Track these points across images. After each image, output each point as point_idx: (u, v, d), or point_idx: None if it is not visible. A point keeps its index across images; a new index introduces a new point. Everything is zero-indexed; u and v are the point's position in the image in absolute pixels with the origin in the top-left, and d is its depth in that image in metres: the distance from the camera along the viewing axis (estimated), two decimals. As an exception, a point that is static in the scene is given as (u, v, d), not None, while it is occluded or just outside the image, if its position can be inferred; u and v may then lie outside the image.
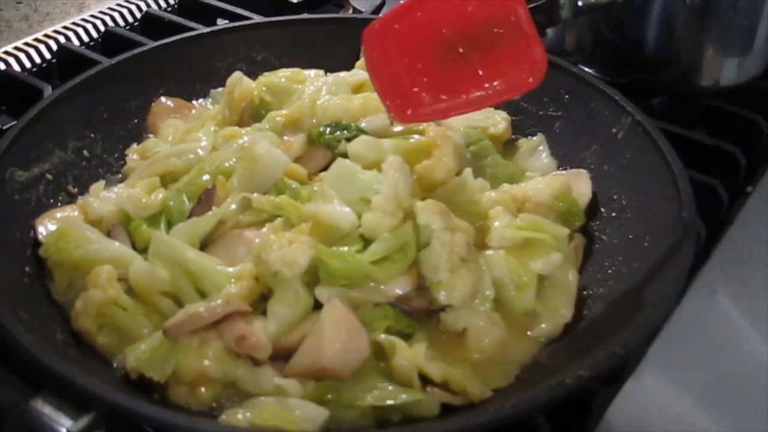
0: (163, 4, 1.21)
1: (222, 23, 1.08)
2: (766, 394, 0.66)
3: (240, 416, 0.58)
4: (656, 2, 0.92)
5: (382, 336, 0.63)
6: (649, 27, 0.94)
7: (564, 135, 0.85)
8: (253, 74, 0.87)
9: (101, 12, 1.17)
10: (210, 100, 0.92)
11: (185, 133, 0.83)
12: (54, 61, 1.08)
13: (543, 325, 0.68)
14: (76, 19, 1.15)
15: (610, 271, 0.72)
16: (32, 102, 0.81)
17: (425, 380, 0.62)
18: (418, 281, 0.67)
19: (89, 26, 1.14)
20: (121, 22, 1.17)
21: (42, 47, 1.09)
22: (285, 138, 0.78)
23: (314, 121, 0.79)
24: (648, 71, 0.97)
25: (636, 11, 0.94)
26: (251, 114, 0.84)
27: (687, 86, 0.98)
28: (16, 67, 1.06)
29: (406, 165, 0.69)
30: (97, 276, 0.66)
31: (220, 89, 0.89)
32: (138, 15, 1.18)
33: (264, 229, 0.69)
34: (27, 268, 0.69)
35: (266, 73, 0.87)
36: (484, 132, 0.82)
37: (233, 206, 0.71)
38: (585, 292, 0.71)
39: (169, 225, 0.72)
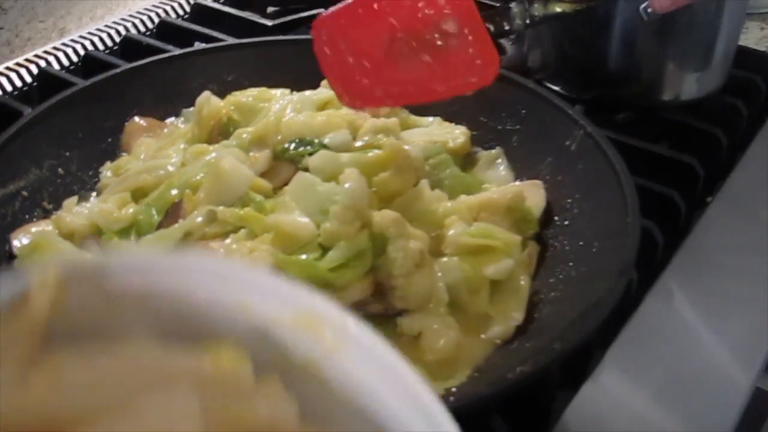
0: (142, 29, 1.25)
1: (199, 46, 1.11)
2: (717, 393, 0.69)
3: None
4: (616, 20, 0.95)
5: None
6: (611, 44, 0.97)
7: (521, 148, 0.88)
8: (223, 94, 0.91)
9: (81, 36, 1.20)
10: (182, 119, 0.95)
11: (157, 151, 0.87)
12: (35, 84, 1.11)
13: (495, 328, 0.71)
14: (57, 44, 1.18)
15: (561, 276, 0.75)
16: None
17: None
18: (374, 287, 0.70)
19: (69, 50, 1.17)
20: (101, 47, 1.20)
21: (23, 71, 1.12)
22: (251, 154, 0.81)
23: (279, 137, 0.83)
24: (611, 87, 1.01)
25: (597, 29, 0.97)
26: (219, 131, 0.87)
27: (649, 101, 1.01)
28: (-2, 91, 1.09)
29: (362, 177, 0.72)
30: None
31: (191, 108, 0.92)
32: (117, 39, 1.21)
33: (228, 240, 0.72)
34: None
35: (235, 93, 0.90)
36: (443, 146, 0.85)
37: (199, 219, 0.75)
38: (537, 296, 0.74)
39: (139, 237, 0.76)
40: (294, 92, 0.91)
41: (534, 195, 0.81)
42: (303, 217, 0.71)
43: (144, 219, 0.76)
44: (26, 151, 0.83)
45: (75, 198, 0.82)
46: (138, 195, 0.80)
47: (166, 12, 1.28)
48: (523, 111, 0.89)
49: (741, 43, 1.10)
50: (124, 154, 0.90)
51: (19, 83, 1.11)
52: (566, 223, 0.80)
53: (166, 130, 0.93)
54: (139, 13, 1.27)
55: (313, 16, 1.15)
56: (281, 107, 0.86)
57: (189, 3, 1.30)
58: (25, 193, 0.81)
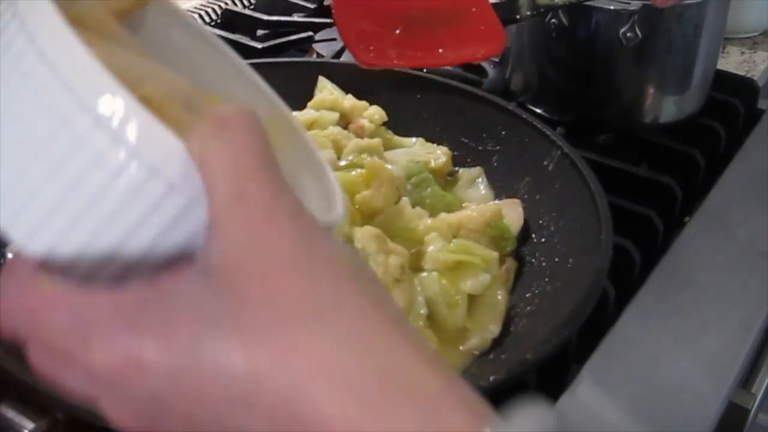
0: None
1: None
2: (691, 407, 0.70)
3: None
4: (597, 43, 0.98)
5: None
6: (592, 67, 1.00)
7: (500, 168, 0.91)
8: (212, 114, 0.92)
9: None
10: (172, 138, 0.96)
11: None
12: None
13: (473, 340, 0.73)
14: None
15: (537, 291, 0.77)
16: None
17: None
18: (355, 301, 0.72)
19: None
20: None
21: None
22: (238, 172, 0.83)
23: (265, 156, 0.85)
24: (592, 110, 1.03)
25: (578, 52, 0.99)
26: (208, 151, 0.89)
27: (629, 123, 1.04)
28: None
29: (344, 194, 0.74)
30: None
31: (180, 128, 0.94)
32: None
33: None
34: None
35: (224, 113, 0.92)
36: (425, 165, 0.88)
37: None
38: (514, 310, 0.76)
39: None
40: (281, 113, 0.93)
41: (512, 213, 0.84)
42: (287, 233, 0.73)
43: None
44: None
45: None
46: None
47: (160, 35, 1.30)
48: (503, 132, 0.92)
49: (722, 67, 1.13)
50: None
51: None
52: (543, 240, 0.82)
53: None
54: (132, 36, 1.29)
55: (302, 40, 1.19)
56: (268, 127, 0.89)
57: (182, 27, 1.32)
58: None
